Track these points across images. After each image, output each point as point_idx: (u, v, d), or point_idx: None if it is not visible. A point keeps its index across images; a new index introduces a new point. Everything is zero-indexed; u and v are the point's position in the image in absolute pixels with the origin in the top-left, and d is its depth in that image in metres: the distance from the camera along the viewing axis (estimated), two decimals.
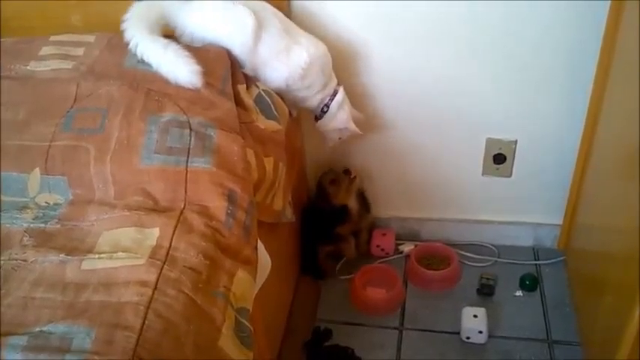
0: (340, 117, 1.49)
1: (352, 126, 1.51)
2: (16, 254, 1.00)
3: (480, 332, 1.58)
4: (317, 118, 1.52)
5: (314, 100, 1.47)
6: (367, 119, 1.66)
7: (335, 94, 1.47)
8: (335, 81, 1.49)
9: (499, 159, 1.73)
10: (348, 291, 1.78)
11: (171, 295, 0.91)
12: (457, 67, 1.59)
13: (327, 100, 1.47)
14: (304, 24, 1.48)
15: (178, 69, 1.19)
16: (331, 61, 1.46)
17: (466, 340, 1.60)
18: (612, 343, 1.27)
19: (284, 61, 1.36)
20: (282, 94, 1.42)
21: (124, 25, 1.24)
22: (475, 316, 1.61)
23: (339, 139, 1.56)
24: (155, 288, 0.91)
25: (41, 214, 1.10)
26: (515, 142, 1.69)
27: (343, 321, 1.71)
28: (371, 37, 1.58)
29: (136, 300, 0.89)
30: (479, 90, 1.62)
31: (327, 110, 1.48)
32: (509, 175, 1.76)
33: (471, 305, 1.65)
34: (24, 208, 1.13)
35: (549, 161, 1.71)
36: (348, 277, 1.83)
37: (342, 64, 1.57)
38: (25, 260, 0.99)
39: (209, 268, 0.98)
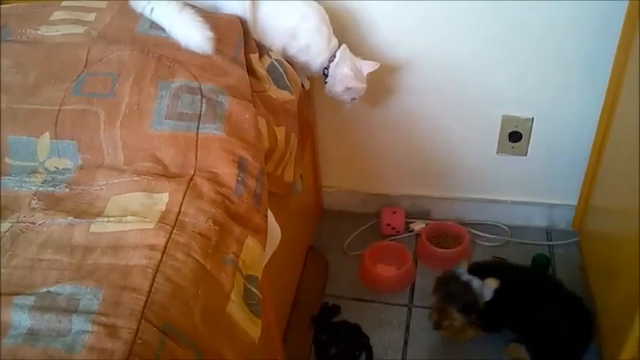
0: (340, 78, 1.44)
1: (356, 84, 1.45)
2: (24, 217, 1.00)
3: None
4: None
5: (316, 64, 1.43)
6: (380, 92, 1.63)
7: (334, 55, 1.43)
8: (334, 42, 1.44)
9: (515, 137, 1.70)
10: (358, 267, 1.77)
11: (180, 260, 0.90)
12: (473, 41, 1.55)
13: (326, 63, 1.44)
14: None
15: (191, 34, 1.17)
16: (328, 21, 1.42)
17: None
18: (625, 326, 1.25)
19: (276, 22, 1.34)
20: (290, 63, 1.39)
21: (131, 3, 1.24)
22: None
23: (352, 99, 1.51)
24: (164, 252, 0.90)
25: (50, 179, 1.09)
26: (532, 119, 1.66)
27: (352, 297, 1.70)
28: (381, 9, 1.55)
29: (144, 263, 0.88)
30: (495, 65, 1.59)
31: (327, 73, 1.45)
32: (525, 154, 1.73)
33: None
34: (33, 172, 1.12)
35: (566, 141, 1.68)
36: (357, 253, 1.82)
37: (350, 33, 1.54)
38: (33, 223, 0.98)
39: (218, 235, 0.97)
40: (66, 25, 1.27)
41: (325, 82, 1.47)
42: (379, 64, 1.49)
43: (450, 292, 1.43)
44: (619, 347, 1.27)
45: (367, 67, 1.49)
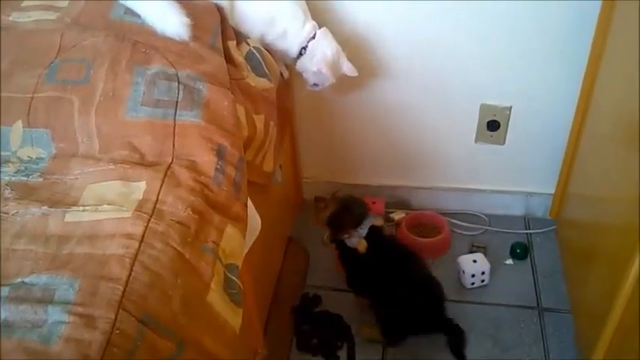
0: (321, 57, 1.40)
1: (329, 73, 1.42)
2: None
3: (483, 273, 1.63)
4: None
5: (294, 48, 1.41)
6: (359, 82, 1.63)
7: (314, 36, 1.40)
8: (312, 24, 1.41)
9: (493, 126, 1.70)
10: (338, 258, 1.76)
11: (159, 249, 0.89)
12: (451, 30, 1.55)
13: (305, 42, 1.41)
14: None
15: (167, 19, 1.15)
16: (305, 5, 1.40)
17: (471, 287, 1.65)
18: (602, 311, 1.26)
19: (253, 10, 1.32)
20: (269, 51, 1.38)
21: None
22: (474, 260, 1.64)
23: (314, 84, 1.47)
24: (142, 241, 0.89)
25: (23, 168, 1.07)
26: (510, 108, 1.67)
27: (332, 288, 1.69)
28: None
29: (121, 252, 0.86)
30: (474, 54, 1.59)
31: (305, 53, 1.41)
32: (503, 143, 1.74)
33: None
34: (6, 162, 1.09)
35: (543, 129, 1.69)
36: None
37: (329, 23, 1.50)
38: (6, 213, 0.95)
39: (197, 223, 0.95)
40: (38, 11, 1.23)
41: (300, 55, 1.42)
42: (357, 74, 1.48)
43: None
44: (595, 335, 1.28)
45: (347, 68, 1.46)
